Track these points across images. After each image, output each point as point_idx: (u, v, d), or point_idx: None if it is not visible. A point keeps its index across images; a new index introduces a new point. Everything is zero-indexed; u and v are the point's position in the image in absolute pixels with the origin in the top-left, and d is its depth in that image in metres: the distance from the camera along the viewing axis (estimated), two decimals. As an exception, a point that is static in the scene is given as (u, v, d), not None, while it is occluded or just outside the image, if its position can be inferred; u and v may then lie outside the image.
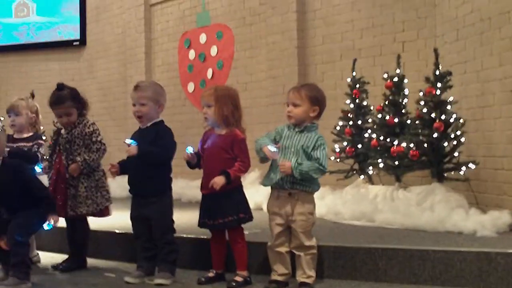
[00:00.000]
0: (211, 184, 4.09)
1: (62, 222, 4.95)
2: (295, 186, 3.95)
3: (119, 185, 8.27)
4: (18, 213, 4.32)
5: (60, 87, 4.88)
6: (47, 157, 5.01)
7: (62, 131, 4.85)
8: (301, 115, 4.02)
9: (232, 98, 4.31)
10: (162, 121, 4.51)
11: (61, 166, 4.79)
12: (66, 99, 4.81)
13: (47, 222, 4.40)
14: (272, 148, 3.92)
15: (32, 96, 5.30)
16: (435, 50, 5.79)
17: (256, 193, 6.34)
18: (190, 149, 4.27)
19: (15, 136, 5.16)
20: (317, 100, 4.06)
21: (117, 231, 5.34)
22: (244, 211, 4.24)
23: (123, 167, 4.50)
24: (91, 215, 4.86)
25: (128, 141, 4.30)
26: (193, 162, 4.31)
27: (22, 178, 4.37)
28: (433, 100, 5.64)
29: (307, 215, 3.98)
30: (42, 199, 4.40)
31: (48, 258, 5.29)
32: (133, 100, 4.48)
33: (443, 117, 5.56)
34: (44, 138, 5.35)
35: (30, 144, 5.06)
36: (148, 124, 4.46)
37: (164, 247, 4.36)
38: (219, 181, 4.08)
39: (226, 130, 4.24)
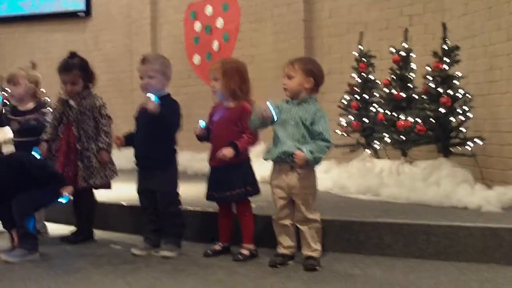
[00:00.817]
0: (219, 155, 4.10)
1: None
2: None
3: (125, 157, 8.30)
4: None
5: (72, 55, 4.93)
6: (51, 127, 4.93)
7: (71, 102, 4.84)
8: (295, 87, 4.02)
9: (239, 71, 4.30)
10: (169, 94, 4.50)
11: (71, 137, 4.80)
12: (75, 67, 4.84)
13: (63, 195, 4.42)
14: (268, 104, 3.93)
15: (33, 65, 5.26)
16: (443, 24, 5.76)
17: (262, 166, 6.34)
18: (202, 123, 4.26)
19: (20, 108, 5.15)
20: (311, 72, 4.05)
21: (123, 203, 5.37)
22: (251, 184, 4.26)
23: (128, 139, 4.52)
24: (96, 186, 4.89)
25: (152, 96, 4.27)
26: (203, 136, 4.31)
27: (24, 174, 4.37)
28: (440, 75, 5.61)
29: (308, 188, 3.99)
30: (52, 179, 4.43)
31: (55, 229, 5.33)
32: (141, 73, 4.47)
33: (450, 92, 5.54)
34: (48, 108, 5.30)
35: (35, 115, 5.05)
36: (155, 97, 4.46)
37: (169, 219, 4.39)
38: (227, 152, 4.09)
39: (234, 103, 4.24)
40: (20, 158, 4.45)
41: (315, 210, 4.03)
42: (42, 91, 5.37)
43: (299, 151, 3.88)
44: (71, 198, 4.54)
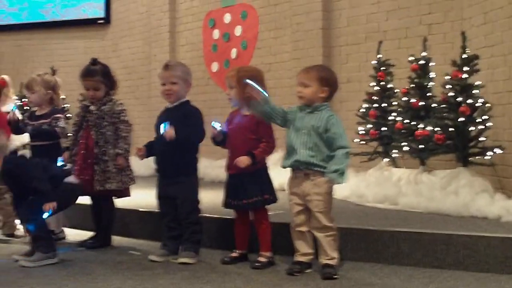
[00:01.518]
0: (235, 162, 4.11)
1: (87, 199, 5.03)
2: (310, 166, 3.96)
3: (143, 164, 8.32)
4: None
5: (94, 61, 5.00)
6: (72, 133, 5.00)
7: (91, 107, 4.88)
8: (310, 95, 4.02)
9: (256, 79, 4.29)
10: (188, 101, 4.54)
11: (90, 141, 4.85)
12: (97, 73, 4.90)
13: (45, 210, 4.31)
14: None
15: (53, 71, 5.29)
16: (462, 33, 5.73)
17: (280, 174, 6.34)
18: (216, 124, 4.26)
19: (37, 113, 5.19)
20: (326, 81, 4.06)
21: (141, 209, 5.40)
22: (268, 192, 4.26)
23: (149, 150, 4.54)
24: (114, 193, 4.91)
25: (161, 127, 4.31)
26: (218, 139, 4.31)
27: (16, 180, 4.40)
28: (459, 84, 5.59)
29: (323, 195, 3.98)
30: (36, 193, 4.35)
31: (73, 235, 5.36)
32: (163, 80, 4.50)
33: (469, 101, 5.52)
34: (65, 111, 5.30)
35: (49, 120, 5.06)
36: (176, 103, 4.49)
37: (189, 226, 4.40)
38: (244, 160, 4.10)
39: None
40: (15, 166, 4.39)
41: (331, 218, 4.02)
42: (61, 97, 5.39)
43: (328, 178, 3.89)
44: (53, 211, 4.38)
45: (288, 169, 4.15)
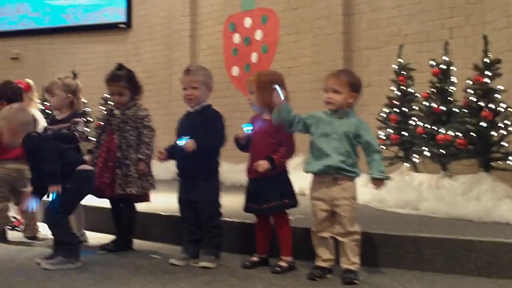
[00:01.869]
0: (254, 167, 4.12)
1: (107, 203, 5.06)
2: (340, 171, 3.95)
3: (164, 168, 8.35)
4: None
5: (119, 67, 5.02)
6: (95, 137, 5.04)
7: (115, 111, 4.92)
8: (341, 101, 4.00)
9: (275, 83, 4.29)
10: (210, 105, 4.54)
11: (112, 145, 4.87)
12: (122, 78, 4.93)
13: (51, 192, 4.35)
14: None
15: (74, 75, 5.29)
16: (484, 37, 5.70)
17: (301, 178, 6.33)
18: (247, 128, 4.28)
19: (57, 117, 5.21)
20: (356, 87, 4.05)
21: (162, 213, 5.41)
22: (288, 197, 4.26)
23: (170, 153, 4.56)
24: (134, 198, 4.93)
25: (181, 142, 4.33)
26: (242, 142, 4.31)
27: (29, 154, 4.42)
28: (481, 88, 5.56)
29: (351, 200, 3.98)
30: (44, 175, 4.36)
31: (95, 238, 5.39)
32: (184, 84, 4.51)
33: (491, 105, 5.48)
34: (85, 115, 5.30)
35: (68, 124, 5.07)
36: (197, 108, 4.50)
37: (210, 230, 4.41)
38: (263, 164, 4.10)
39: (271, 115, 4.24)
40: (33, 146, 4.41)
41: (356, 223, 4.02)
42: (82, 100, 5.38)
43: (376, 183, 3.97)
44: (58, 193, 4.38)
45: (310, 174, 4.14)
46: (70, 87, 5.17)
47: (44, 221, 4.54)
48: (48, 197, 4.41)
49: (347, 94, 4.00)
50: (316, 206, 4.05)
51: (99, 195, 4.93)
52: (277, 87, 3.97)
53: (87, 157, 4.95)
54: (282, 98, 3.95)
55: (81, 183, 4.44)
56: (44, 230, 5.46)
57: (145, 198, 4.98)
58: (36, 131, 4.56)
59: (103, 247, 4.97)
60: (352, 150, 3.97)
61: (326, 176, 4.00)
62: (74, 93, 5.20)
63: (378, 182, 3.98)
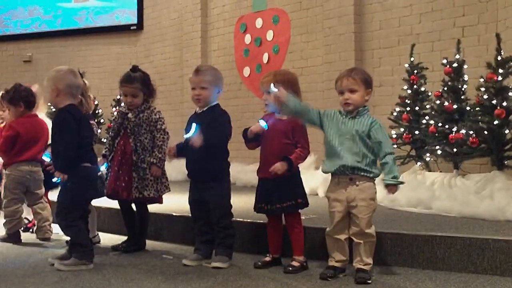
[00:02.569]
0: (272, 169, 4.10)
1: (116, 204, 5.08)
2: (356, 171, 3.93)
3: (174, 168, 8.39)
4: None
5: (134, 69, 5.03)
6: (108, 140, 5.04)
7: (129, 114, 4.92)
8: (359, 100, 3.97)
9: (292, 83, 4.29)
10: (218, 104, 4.54)
11: (127, 148, 4.88)
12: (136, 80, 4.93)
13: (57, 177, 4.36)
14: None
15: (80, 75, 5.26)
16: (497, 35, 5.66)
17: (311, 178, 6.35)
18: (262, 122, 4.28)
19: None
20: (369, 83, 4.03)
21: (174, 214, 5.42)
22: (301, 197, 4.25)
23: (180, 150, 4.56)
24: (149, 200, 4.94)
25: (193, 129, 4.32)
26: (251, 136, 4.29)
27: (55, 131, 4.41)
28: (494, 87, 5.53)
29: (368, 201, 3.95)
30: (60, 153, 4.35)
31: (107, 239, 5.41)
32: (193, 84, 4.51)
33: (504, 103, 5.45)
34: (95, 117, 5.27)
35: None
36: (205, 108, 4.50)
37: (221, 231, 4.41)
38: (281, 167, 4.10)
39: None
40: (62, 119, 4.38)
41: (372, 224, 3.99)
42: (91, 102, 5.33)
43: (391, 189, 3.92)
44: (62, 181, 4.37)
45: (323, 174, 4.12)
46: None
47: (57, 222, 4.55)
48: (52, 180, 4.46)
49: (364, 92, 3.98)
50: (333, 207, 4.02)
51: (114, 197, 4.95)
52: (271, 86, 3.97)
53: (101, 161, 4.95)
54: (281, 92, 3.94)
55: (80, 181, 4.37)
56: (57, 231, 5.51)
57: (159, 200, 4.99)
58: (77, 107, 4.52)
59: (116, 248, 4.99)
60: (368, 150, 3.93)
61: (342, 176, 3.98)
62: (82, 94, 5.18)
63: (392, 188, 3.92)
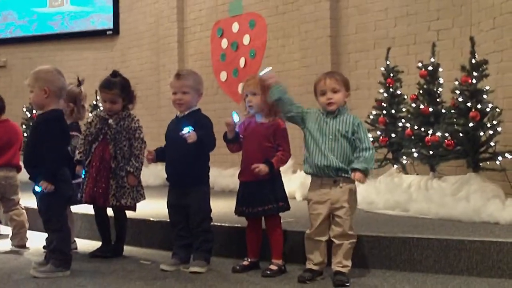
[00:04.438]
0: (255, 167, 4.09)
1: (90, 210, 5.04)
2: (340, 173, 3.94)
3: (152, 173, 8.37)
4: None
5: (114, 74, 4.98)
6: (84, 144, 4.92)
7: (110, 121, 4.86)
8: (341, 100, 4.02)
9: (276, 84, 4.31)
10: (199, 110, 4.53)
11: (106, 154, 4.82)
12: (115, 86, 4.87)
13: (40, 186, 4.19)
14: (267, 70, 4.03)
15: (79, 82, 5.21)
16: (471, 39, 5.72)
17: (289, 182, 6.34)
18: (235, 116, 4.27)
19: None
20: (348, 86, 4.10)
21: (152, 219, 5.40)
22: (283, 200, 4.26)
23: (159, 155, 4.55)
24: (125, 207, 4.91)
25: (186, 130, 4.27)
26: (231, 135, 4.30)
27: (39, 134, 4.27)
28: (469, 89, 5.57)
29: (352, 203, 3.98)
30: (45, 161, 4.20)
31: (84, 245, 5.36)
32: (175, 89, 4.49)
33: (479, 106, 5.50)
34: (80, 128, 5.22)
35: None
36: (186, 112, 4.49)
37: (200, 235, 4.40)
38: (263, 168, 4.09)
39: (268, 118, 4.24)
40: (52, 119, 4.28)
41: (352, 226, 4.01)
42: (85, 111, 5.27)
43: (356, 173, 3.87)
44: (46, 191, 4.20)
45: (300, 177, 4.13)
46: (70, 95, 5.03)
47: (45, 227, 4.39)
48: (35, 188, 4.26)
49: (344, 92, 4.02)
50: (315, 210, 4.02)
51: (91, 204, 4.91)
52: (265, 70, 4.02)
53: (79, 168, 4.90)
54: (271, 74, 3.99)
55: (60, 184, 4.27)
56: (33, 238, 5.45)
57: (133, 208, 4.95)
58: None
59: (93, 254, 4.95)
60: (350, 150, 3.96)
61: (326, 178, 3.99)
62: (75, 101, 5.14)
63: (360, 176, 3.89)
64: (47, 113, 4.32)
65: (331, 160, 3.93)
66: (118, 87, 4.87)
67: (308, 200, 4.09)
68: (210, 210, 4.49)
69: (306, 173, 4.13)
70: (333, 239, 4.00)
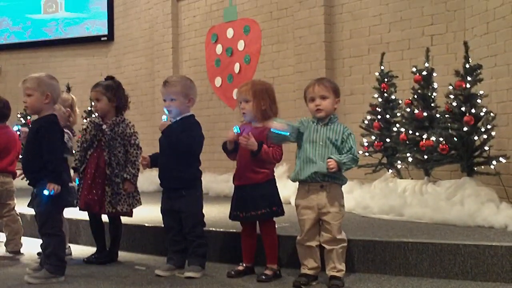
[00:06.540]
0: (243, 138, 4.09)
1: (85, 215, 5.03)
2: (327, 178, 3.95)
3: (146, 179, 8.36)
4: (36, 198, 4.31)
5: (107, 77, 5.05)
6: (79, 151, 4.94)
7: (104, 127, 4.86)
8: (330, 107, 4.02)
9: (269, 92, 4.32)
10: (192, 115, 4.52)
11: (101, 161, 4.82)
12: (100, 85, 4.93)
13: (47, 189, 4.15)
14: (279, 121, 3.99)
15: (68, 89, 5.28)
16: (465, 43, 5.74)
17: (284, 187, 6.34)
18: (236, 129, 4.26)
19: None
20: (338, 92, 4.10)
21: (147, 224, 5.39)
22: (277, 204, 4.25)
23: (153, 160, 4.55)
24: (121, 214, 4.91)
25: (163, 117, 4.31)
26: (230, 147, 4.30)
27: (41, 137, 4.25)
28: (463, 94, 5.60)
29: (339, 207, 3.98)
30: (47, 164, 4.19)
31: (79, 251, 5.35)
32: (163, 96, 4.51)
33: (473, 110, 5.52)
34: (72, 129, 5.26)
35: None
36: (177, 118, 4.49)
37: (194, 240, 4.39)
38: (252, 141, 4.09)
39: (262, 123, 4.24)
40: (49, 125, 4.29)
41: (342, 230, 4.01)
42: (76, 116, 5.37)
43: (332, 161, 3.87)
44: (55, 194, 4.17)
45: (295, 184, 4.13)
46: (66, 101, 5.19)
47: (41, 232, 4.35)
48: (43, 192, 4.21)
49: (333, 99, 4.03)
50: (304, 215, 4.03)
51: (86, 210, 4.90)
52: (272, 121, 4.01)
53: (74, 175, 4.90)
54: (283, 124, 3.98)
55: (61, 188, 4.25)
56: (27, 244, 5.44)
57: (129, 214, 4.94)
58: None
59: (88, 260, 4.93)
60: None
61: (314, 183, 3.99)
62: (71, 107, 5.21)
63: (334, 163, 3.86)
64: (46, 117, 4.34)
65: (320, 166, 3.93)
66: (102, 86, 4.92)
67: (296, 205, 4.10)
68: (203, 215, 4.49)
69: (293, 180, 4.12)
70: (323, 244, 4.00)
